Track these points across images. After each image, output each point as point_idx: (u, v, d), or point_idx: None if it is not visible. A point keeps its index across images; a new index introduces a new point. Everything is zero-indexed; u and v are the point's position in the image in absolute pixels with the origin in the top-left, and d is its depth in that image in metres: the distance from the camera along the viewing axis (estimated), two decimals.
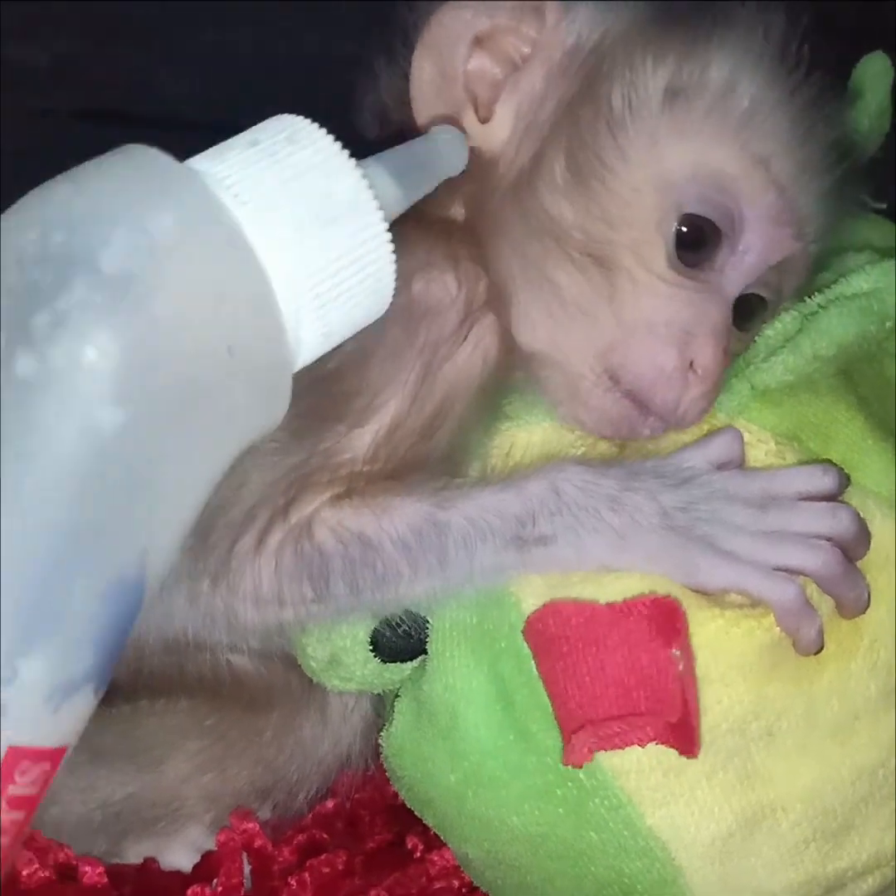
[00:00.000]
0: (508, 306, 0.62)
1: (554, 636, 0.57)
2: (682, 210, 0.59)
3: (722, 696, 0.57)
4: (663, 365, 0.60)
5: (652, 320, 0.60)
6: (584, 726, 0.56)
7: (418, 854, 0.70)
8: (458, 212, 0.64)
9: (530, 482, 0.57)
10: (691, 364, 0.60)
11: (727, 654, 0.57)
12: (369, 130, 0.68)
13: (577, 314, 0.60)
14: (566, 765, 0.56)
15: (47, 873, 0.66)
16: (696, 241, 0.60)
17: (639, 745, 0.56)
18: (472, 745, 0.60)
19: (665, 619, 0.56)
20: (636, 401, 0.60)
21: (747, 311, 0.63)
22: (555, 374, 0.62)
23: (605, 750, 0.57)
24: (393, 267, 0.49)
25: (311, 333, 0.47)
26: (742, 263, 0.61)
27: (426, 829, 0.69)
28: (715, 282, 0.61)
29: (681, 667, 0.56)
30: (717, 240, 0.60)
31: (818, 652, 0.58)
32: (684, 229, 0.59)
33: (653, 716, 0.56)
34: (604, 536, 0.56)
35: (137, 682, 0.67)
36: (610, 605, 0.57)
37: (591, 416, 0.61)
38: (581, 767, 0.57)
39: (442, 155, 0.54)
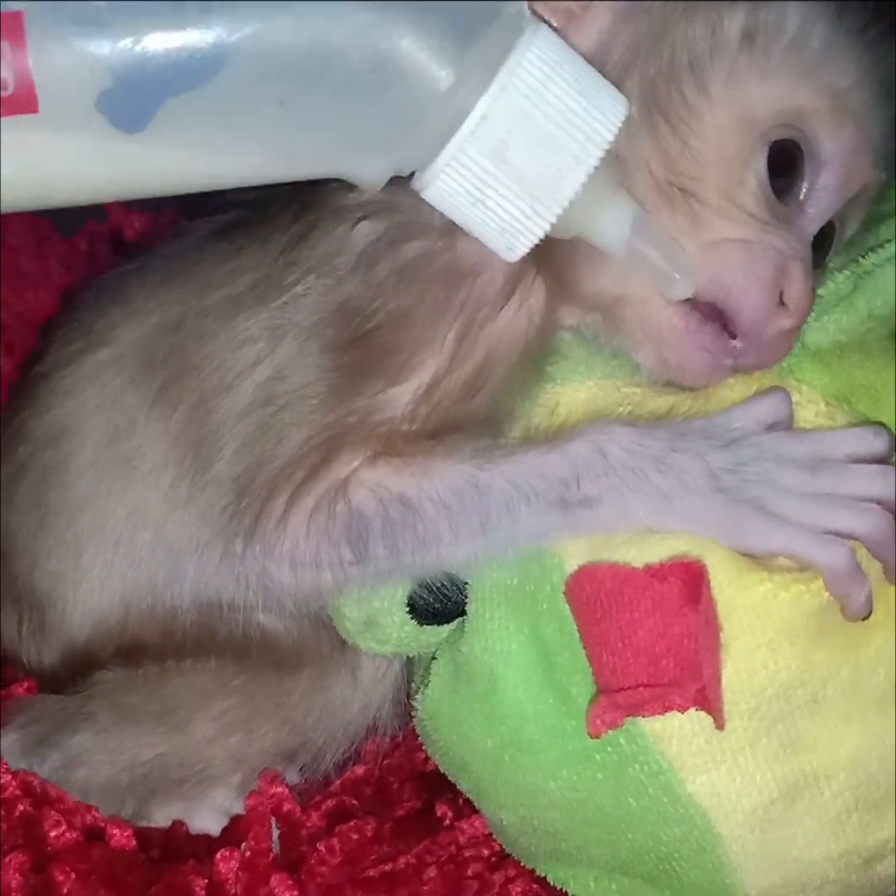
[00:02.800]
0: (570, 257, 0.60)
1: (590, 599, 0.57)
2: (768, 147, 0.59)
3: (768, 662, 0.56)
4: (758, 275, 0.58)
5: (745, 238, 0.58)
6: (609, 693, 0.55)
7: (448, 822, 0.70)
8: None
9: (575, 443, 0.57)
10: (780, 297, 0.58)
11: (774, 618, 0.56)
12: None
13: None
14: (590, 732, 0.56)
15: (75, 835, 0.65)
16: (782, 178, 0.59)
17: (679, 711, 0.55)
18: (510, 708, 0.59)
19: (694, 584, 0.56)
20: (722, 321, 0.58)
21: (819, 245, 0.62)
22: (632, 313, 0.60)
23: (635, 717, 0.56)
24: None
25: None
26: (823, 197, 0.61)
27: (456, 796, 0.69)
28: (798, 218, 0.60)
29: (703, 635, 0.55)
30: (801, 176, 0.60)
31: (866, 618, 0.57)
32: (770, 166, 0.59)
33: (678, 685, 0.55)
34: (650, 498, 0.56)
35: (167, 644, 0.67)
36: (644, 569, 0.56)
37: (673, 352, 0.59)
38: (599, 736, 0.56)
39: None
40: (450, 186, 0.52)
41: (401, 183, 0.62)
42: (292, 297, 0.62)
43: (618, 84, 0.56)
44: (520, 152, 0.51)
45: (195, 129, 0.48)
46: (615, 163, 0.54)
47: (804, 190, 0.60)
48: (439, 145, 0.51)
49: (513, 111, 0.51)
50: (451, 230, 0.60)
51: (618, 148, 0.55)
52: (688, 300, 0.58)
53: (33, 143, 0.46)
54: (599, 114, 0.52)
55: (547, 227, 0.53)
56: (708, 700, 0.55)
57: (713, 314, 0.59)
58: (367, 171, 0.51)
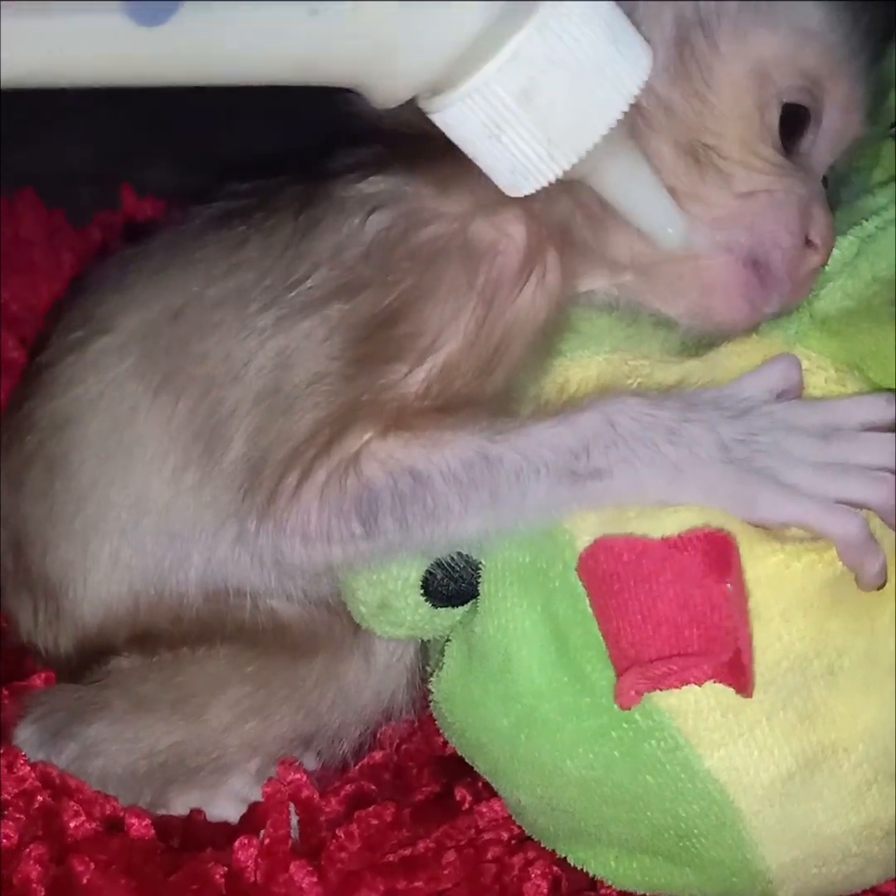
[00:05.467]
0: (596, 228, 0.61)
1: (605, 573, 0.56)
2: (781, 98, 0.60)
3: (782, 633, 0.56)
4: (786, 223, 0.60)
5: (771, 189, 0.60)
6: (634, 666, 0.55)
7: (467, 806, 0.69)
8: None
9: (585, 415, 0.56)
10: (806, 239, 0.60)
11: (788, 589, 0.56)
12: None
13: (686, 199, 0.59)
14: (622, 704, 0.55)
15: (94, 825, 0.65)
16: (794, 127, 0.61)
17: (696, 684, 0.55)
18: (524, 687, 0.59)
19: (718, 554, 0.55)
20: (755, 265, 0.60)
21: None
22: (672, 270, 0.61)
23: (659, 690, 0.55)
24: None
25: None
26: (824, 146, 0.62)
27: (475, 780, 0.69)
28: (806, 165, 0.61)
29: (734, 604, 0.55)
30: (807, 126, 0.61)
31: (881, 587, 0.56)
32: (784, 117, 0.60)
33: (705, 655, 0.54)
34: (660, 470, 0.55)
35: (178, 631, 0.67)
36: (663, 540, 0.55)
37: (719, 295, 0.60)
38: (629, 708, 0.56)
39: None
40: (467, 116, 0.51)
41: (406, 173, 0.62)
42: (301, 290, 0.62)
43: None
44: (545, 95, 0.50)
45: (218, 28, 0.46)
46: (631, 113, 0.54)
47: (808, 140, 0.62)
48: (465, 74, 0.50)
49: (546, 53, 0.50)
50: (463, 214, 0.61)
51: (639, 103, 0.56)
52: (730, 251, 0.60)
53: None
54: (628, 65, 0.52)
55: (560, 173, 0.52)
56: (743, 669, 0.54)
57: (752, 263, 0.60)
58: (387, 86, 0.50)
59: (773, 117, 0.60)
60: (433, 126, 0.53)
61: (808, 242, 0.60)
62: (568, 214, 0.61)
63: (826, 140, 0.62)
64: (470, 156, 0.53)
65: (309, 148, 0.69)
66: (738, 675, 0.54)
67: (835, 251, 0.62)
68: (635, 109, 0.54)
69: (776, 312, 0.61)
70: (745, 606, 0.55)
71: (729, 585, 0.55)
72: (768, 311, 0.61)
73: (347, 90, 0.52)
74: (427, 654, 0.68)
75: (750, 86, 0.59)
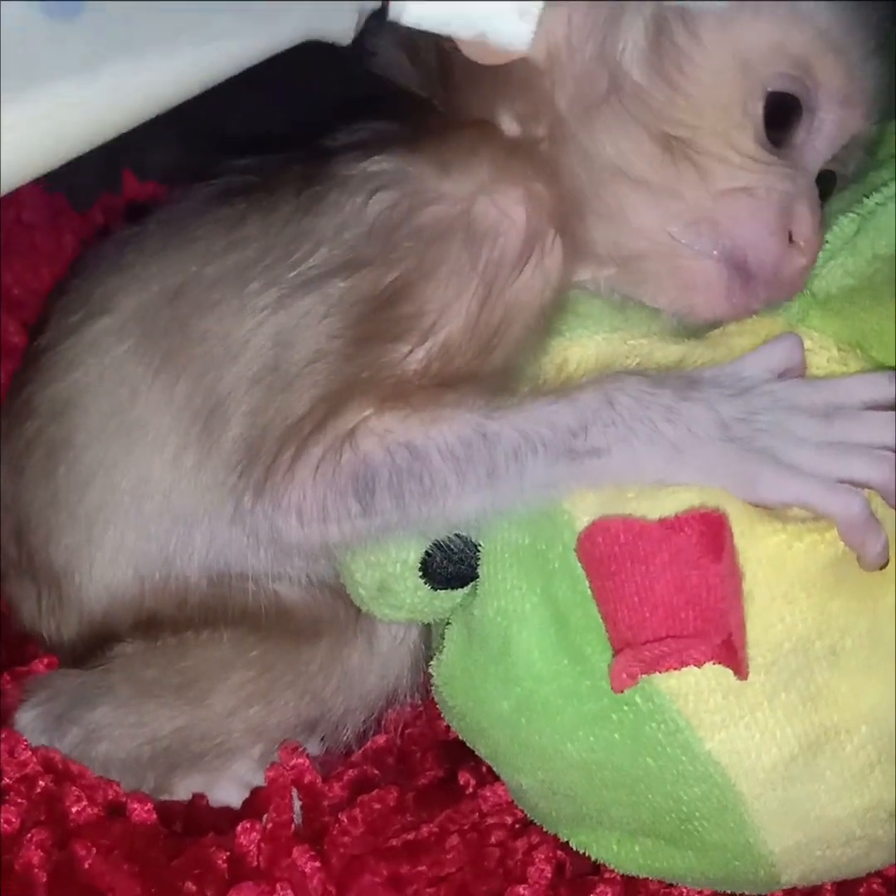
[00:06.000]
0: (581, 217, 0.61)
1: (603, 555, 0.56)
2: (766, 88, 0.59)
3: (784, 614, 0.55)
4: (766, 225, 0.59)
5: (749, 187, 0.59)
6: (627, 649, 0.55)
7: (470, 790, 0.69)
8: (511, 131, 0.63)
9: (583, 393, 0.56)
10: (790, 236, 0.60)
11: (789, 569, 0.55)
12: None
13: (666, 196, 0.59)
14: (614, 687, 0.55)
15: (96, 810, 0.65)
16: (780, 119, 0.60)
17: (695, 665, 0.55)
18: (524, 669, 0.58)
19: (713, 535, 0.55)
20: (736, 267, 0.60)
21: (821, 187, 0.62)
22: (651, 264, 0.61)
23: (657, 672, 0.55)
24: None
25: None
26: (819, 141, 0.61)
27: (478, 764, 0.68)
28: (797, 159, 0.61)
29: (727, 585, 0.54)
30: (798, 118, 0.60)
31: (883, 567, 0.56)
32: (769, 108, 0.59)
33: (700, 637, 0.54)
34: (659, 449, 0.55)
35: (183, 616, 0.67)
36: (660, 522, 0.55)
37: (701, 293, 0.61)
38: (623, 692, 0.55)
39: None
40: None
41: (409, 153, 0.62)
42: (302, 269, 0.62)
43: (612, 40, 0.58)
44: None
45: None
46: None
47: (800, 133, 0.60)
48: None
49: None
50: (465, 196, 0.60)
51: (627, 101, 0.57)
52: (708, 254, 0.60)
53: None
54: None
55: None
56: (734, 651, 0.54)
57: (733, 265, 0.60)
58: (336, 22, 0.50)
59: (757, 107, 0.59)
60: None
61: (792, 241, 0.60)
62: (562, 201, 0.60)
63: (822, 134, 0.61)
64: (455, 36, 0.53)
65: (312, 129, 0.69)
66: (730, 656, 0.54)
67: (835, 228, 0.62)
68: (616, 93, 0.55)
69: (771, 304, 0.60)
70: (738, 588, 0.55)
71: (722, 566, 0.54)
72: (755, 308, 0.60)
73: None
74: (431, 638, 0.68)
75: (730, 74, 0.59)
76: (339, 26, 0.51)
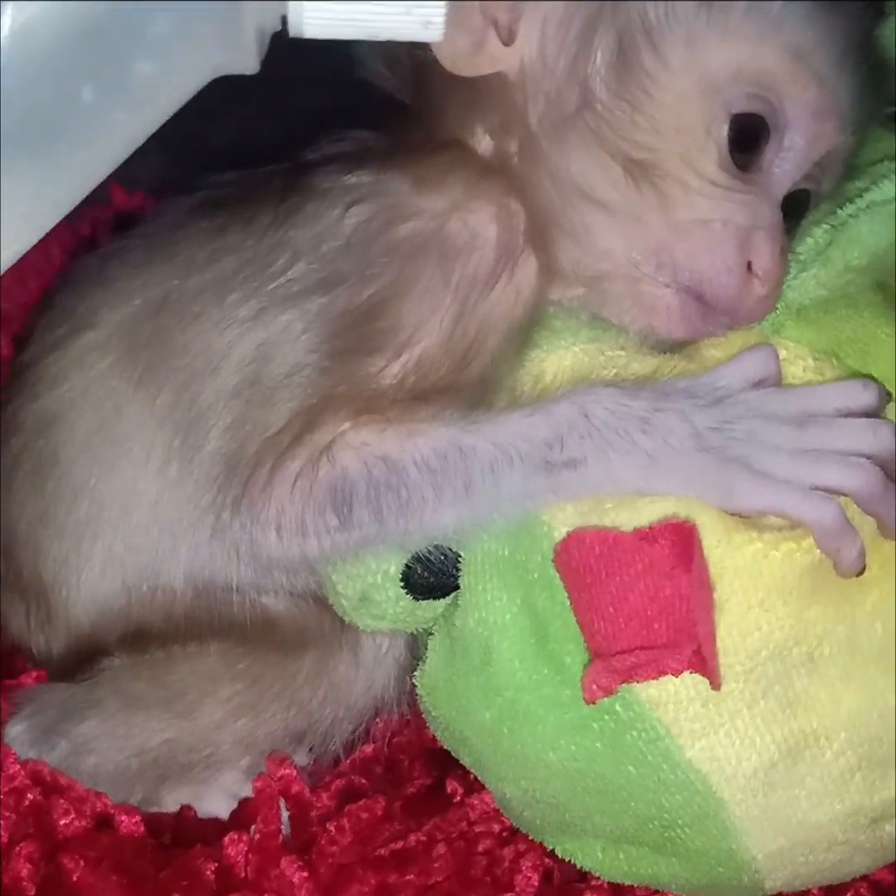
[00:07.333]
0: (548, 235, 0.61)
1: (579, 566, 0.56)
2: (730, 111, 0.58)
3: (762, 622, 0.56)
4: (723, 261, 0.59)
5: (707, 219, 0.59)
6: (604, 659, 0.55)
7: (458, 798, 0.69)
8: (485, 146, 0.63)
9: (559, 405, 0.56)
10: (750, 266, 0.59)
11: (766, 577, 0.56)
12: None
13: (628, 221, 0.60)
14: (586, 698, 0.55)
15: (85, 823, 0.65)
16: (746, 142, 0.59)
17: (673, 675, 0.55)
18: (506, 679, 0.59)
19: (685, 545, 0.55)
20: (694, 298, 0.60)
21: (793, 207, 0.62)
22: (617, 289, 0.61)
23: (634, 682, 0.55)
24: None
25: None
26: (789, 161, 0.60)
27: (466, 772, 0.69)
28: (764, 182, 0.60)
29: (696, 596, 0.54)
30: (765, 139, 0.59)
31: (860, 574, 0.56)
32: (734, 130, 0.59)
33: (673, 647, 0.54)
34: (635, 459, 0.55)
35: (170, 629, 0.67)
36: (633, 533, 0.55)
37: (661, 319, 0.61)
38: (594, 703, 0.56)
39: None
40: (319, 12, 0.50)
41: (386, 168, 0.62)
42: (280, 281, 0.63)
43: (581, 61, 0.58)
44: None
45: None
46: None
47: (768, 154, 0.60)
48: None
49: None
50: (440, 212, 0.61)
51: (592, 124, 0.57)
52: (671, 284, 0.60)
53: None
54: None
55: None
56: (704, 661, 0.54)
57: (693, 295, 0.60)
58: (238, 52, 0.50)
59: (721, 131, 0.58)
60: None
61: (752, 271, 0.59)
62: (534, 217, 0.61)
63: (793, 152, 0.60)
64: (363, 38, 0.51)
65: (299, 140, 0.69)
66: (702, 666, 0.54)
67: (807, 240, 0.62)
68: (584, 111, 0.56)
69: (729, 331, 0.61)
70: (708, 599, 0.55)
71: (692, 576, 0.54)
72: (717, 333, 0.61)
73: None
74: (417, 648, 0.68)
75: (693, 96, 0.58)
76: (242, 55, 0.50)
